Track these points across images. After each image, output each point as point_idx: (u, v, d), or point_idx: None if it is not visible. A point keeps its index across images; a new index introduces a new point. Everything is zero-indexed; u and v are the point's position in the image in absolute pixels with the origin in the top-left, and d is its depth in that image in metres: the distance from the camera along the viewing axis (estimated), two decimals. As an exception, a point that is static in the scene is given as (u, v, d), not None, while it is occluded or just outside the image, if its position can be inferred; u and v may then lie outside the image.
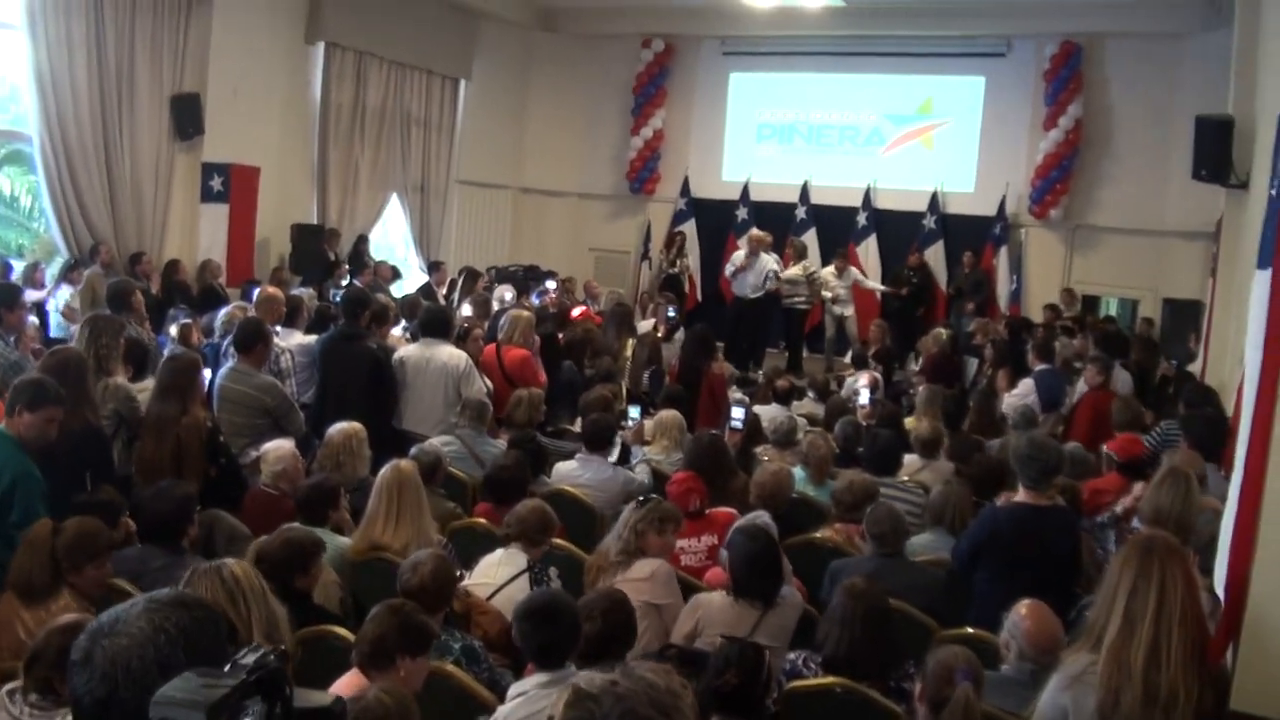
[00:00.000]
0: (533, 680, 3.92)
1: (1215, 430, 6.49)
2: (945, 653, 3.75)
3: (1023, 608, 4.27)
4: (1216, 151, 10.16)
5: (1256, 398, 3.64)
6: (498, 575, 5.34)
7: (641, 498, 5.69)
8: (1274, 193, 4.02)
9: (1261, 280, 4.06)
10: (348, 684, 3.77)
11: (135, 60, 12.60)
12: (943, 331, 12.48)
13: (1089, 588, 5.24)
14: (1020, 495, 5.58)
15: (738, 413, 8.28)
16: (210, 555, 5.55)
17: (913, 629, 5.22)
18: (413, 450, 6.75)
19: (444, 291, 14.06)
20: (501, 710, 3.87)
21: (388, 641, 3.82)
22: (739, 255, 15.32)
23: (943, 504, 6.41)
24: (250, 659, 1.60)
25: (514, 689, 3.94)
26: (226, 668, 1.60)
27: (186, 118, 13.06)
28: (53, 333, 10.45)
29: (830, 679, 4.44)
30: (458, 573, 5.08)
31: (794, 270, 15.26)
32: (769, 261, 14.96)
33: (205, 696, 1.51)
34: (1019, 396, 9.99)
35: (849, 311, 15.82)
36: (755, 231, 15.78)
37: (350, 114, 15.71)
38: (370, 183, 16.19)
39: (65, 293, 11.25)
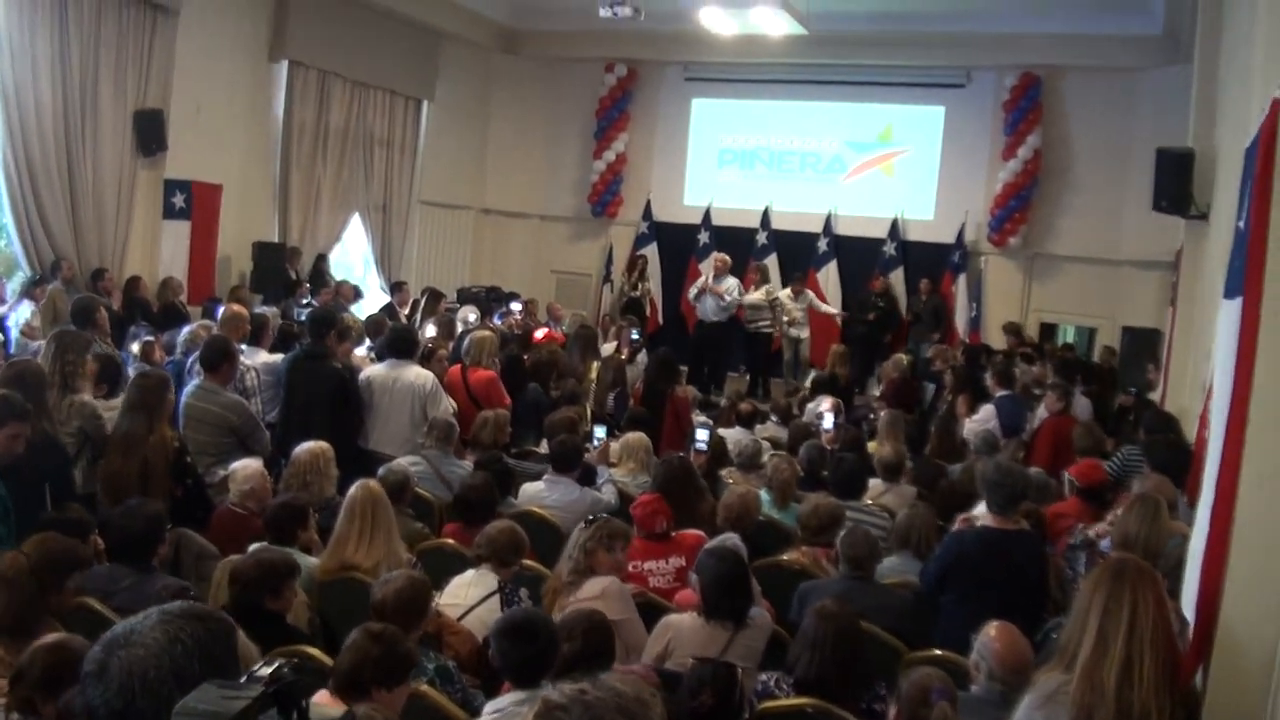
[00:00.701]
0: (509, 698, 3.91)
1: (1178, 456, 6.57)
2: (919, 674, 3.78)
3: (992, 629, 4.29)
4: (1177, 183, 10.31)
5: (1227, 423, 3.69)
6: (468, 596, 5.32)
7: (589, 518, 5.69)
8: (1241, 225, 4.08)
9: (1230, 309, 4.12)
10: (316, 704, 3.73)
11: (99, 75, 12.50)
12: (903, 357, 12.58)
13: (1055, 611, 5.29)
14: (986, 519, 5.63)
15: (702, 435, 8.30)
16: (178, 573, 5.56)
17: (881, 650, 5.23)
18: (380, 470, 6.72)
19: (406, 312, 14.00)
20: None
21: (364, 672, 3.76)
22: (702, 279, 15.42)
23: (908, 527, 6.44)
24: (266, 671, 1.60)
25: (490, 706, 3.93)
26: (243, 679, 1.59)
27: (150, 134, 12.97)
28: (13, 350, 10.32)
29: (802, 699, 4.44)
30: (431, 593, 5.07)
31: (757, 295, 15.37)
32: (732, 285, 15.07)
33: (226, 708, 1.51)
34: (980, 422, 10.06)
35: (804, 334, 15.92)
36: (719, 255, 15.86)
37: (313, 133, 15.68)
38: (332, 202, 16.15)
39: (26, 309, 11.14)
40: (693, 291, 15.80)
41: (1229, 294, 4.36)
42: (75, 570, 4.60)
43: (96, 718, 1.76)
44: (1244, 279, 3.71)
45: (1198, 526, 4.18)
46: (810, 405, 11.44)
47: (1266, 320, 3.47)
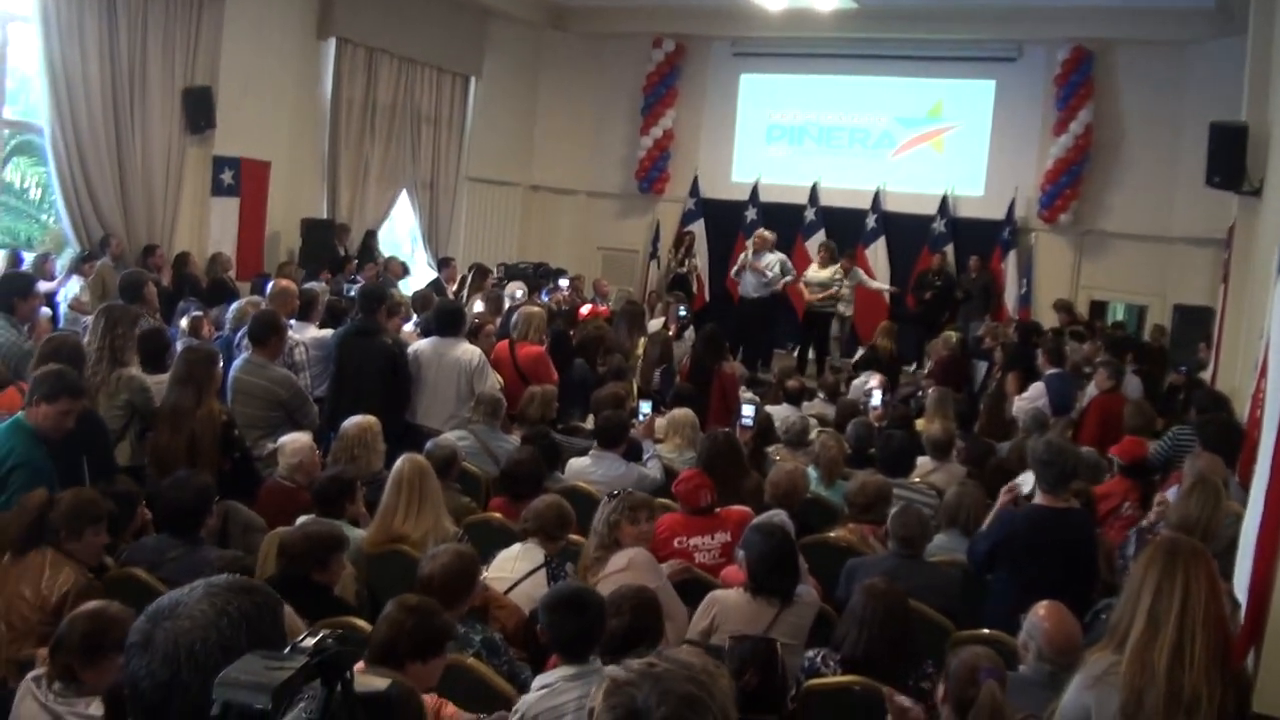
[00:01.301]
0: (557, 673, 3.91)
1: (1230, 435, 6.49)
2: (968, 653, 3.74)
3: (1041, 609, 4.26)
4: (1230, 158, 10.17)
5: (1281, 402, 3.65)
6: (515, 570, 5.34)
7: (612, 492, 5.69)
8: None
9: (1284, 288, 4.07)
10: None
11: (147, 53, 12.62)
12: (952, 335, 12.47)
13: (1105, 591, 5.25)
14: (1037, 497, 5.58)
15: (748, 411, 8.28)
16: (225, 545, 5.61)
17: (929, 629, 5.21)
18: (428, 445, 6.75)
19: (454, 288, 14.03)
20: (525, 700, 3.86)
21: (399, 645, 3.75)
22: (743, 255, 15.41)
23: (957, 505, 6.40)
24: (310, 642, 1.59)
25: (538, 680, 3.94)
26: (286, 650, 1.59)
27: (198, 111, 13.08)
28: (62, 324, 10.42)
29: (849, 677, 4.44)
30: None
31: (826, 273, 15.27)
32: (773, 261, 15.04)
33: (270, 678, 1.50)
34: (1030, 400, 9.98)
35: (849, 311, 15.83)
36: (761, 231, 15.81)
37: (361, 110, 15.72)
38: (380, 179, 16.19)
39: (75, 284, 11.24)
40: (734, 268, 15.75)
41: (1283, 272, 4.30)
42: (95, 522, 4.72)
43: (140, 689, 1.76)
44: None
45: (1251, 508, 4.13)
46: (857, 381, 11.40)
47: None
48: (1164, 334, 14.55)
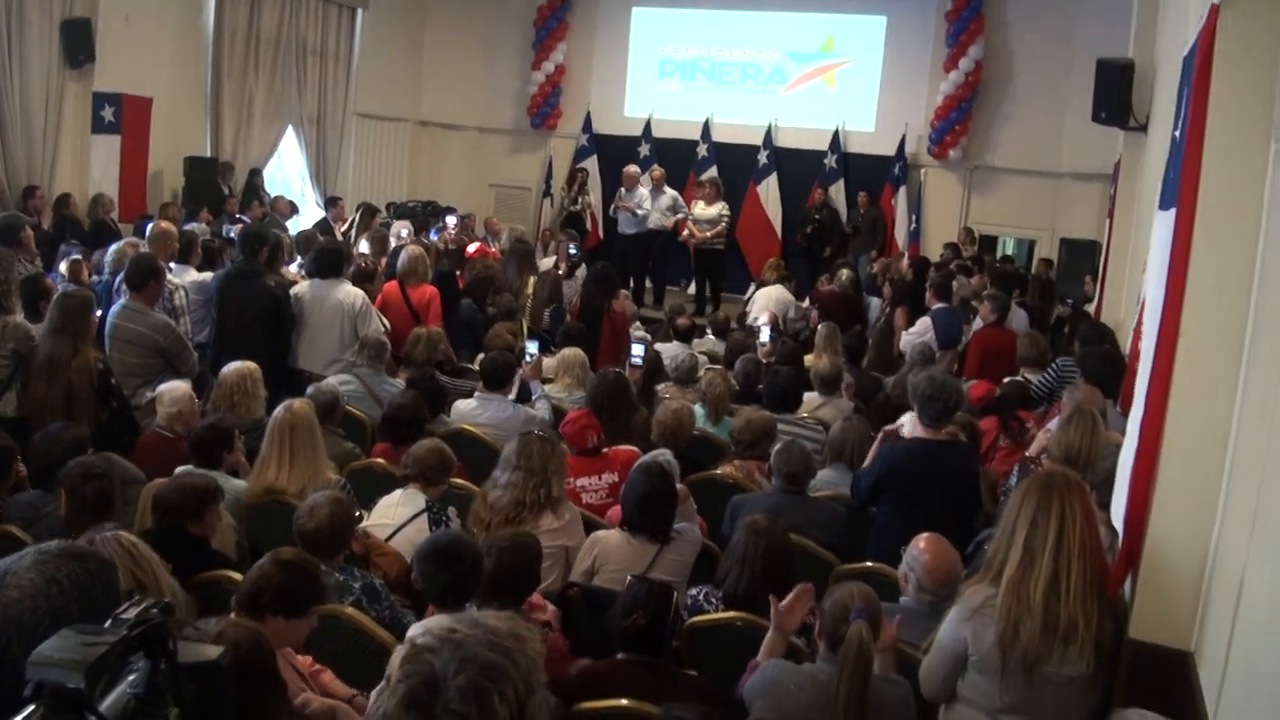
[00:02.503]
0: (427, 622, 3.84)
1: (1112, 367, 6.56)
2: (842, 592, 3.75)
3: (921, 541, 4.31)
4: (1116, 94, 10.26)
5: (1158, 335, 3.66)
6: (396, 516, 5.25)
7: (536, 432, 5.58)
8: (1177, 135, 4.02)
9: (1164, 221, 4.08)
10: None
11: (23, -18, 12.05)
12: (844, 271, 12.51)
13: (987, 521, 5.30)
14: (916, 430, 5.62)
15: (637, 350, 8.24)
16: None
17: (813, 564, 5.24)
18: (309, 389, 6.62)
19: (342, 228, 13.76)
20: (398, 650, 3.78)
21: (261, 597, 3.65)
22: (619, 194, 15.45)
23: (842, 440, 6.44)
24: (132, 613, 1.50)
25: (413, 629, 3.86)
26: (108, 623, 1.50)
27: (77, 44, 12.50)
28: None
29: (731, 614, 4.45)
30: (357, 514, 4.99)
31: (713, 210, 15.24)
32: (643, 196, 15.11)
33: (84, 655, 1.41)
34: (917, 334, 10.07)
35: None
36: (629, 167, 15.77)
37: (244, 42, 15.23)
38: (264, 114, 15.73)
39: (-50, 230, 10.82)
40: (611, 206, 15.73)
41: (1164, 205, 4.32)
42: None
43: None
44: (1178, 190, 3.66)
45: (1128, 439, 4.16)
46: (750, 319, 11.42)
47: (1200, 232, 3.42)
48: (1050, 267, 14.77)
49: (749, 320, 10.58)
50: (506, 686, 1.74)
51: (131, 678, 1.50)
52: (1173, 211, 3.72)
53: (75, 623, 1.52)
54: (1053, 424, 6.31)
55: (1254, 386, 3.19)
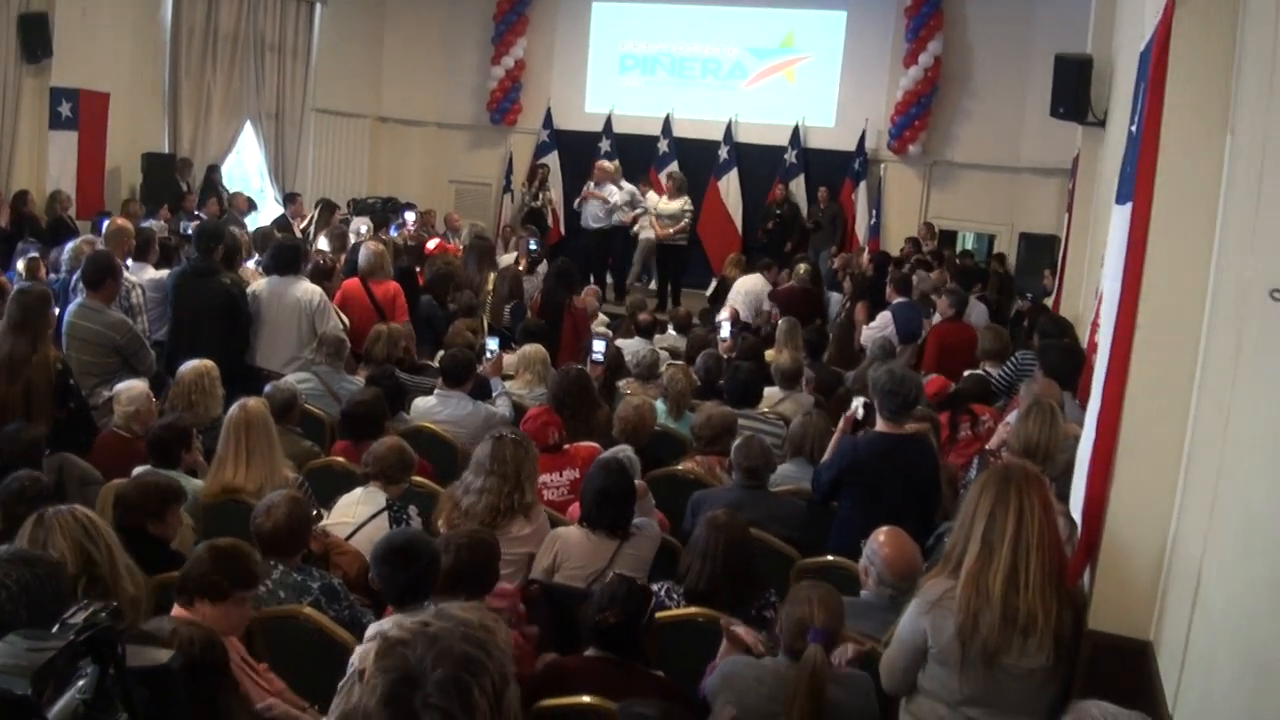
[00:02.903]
0: (391, 620, 3.81)
1: (1069, 360, 6.61)
2: (801, 604, 3.72)
3: (881, 535, 4.33)
4: (1075, 89, 10.31)
5: (1115, 328, 3.68)
6: (356, 514, 5.22)
7: (499, 434, 5.54)
8: (1134, 130, 4.04)
9: (1121, 214, 4.11)
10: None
11: (-21, -24, 11.90)
12: (803, 266, 12.52)
13: (947, 515, 5.31)
14: (879, 425, 5.63)
15: (598, 346, 8.22)
16: (61, 500, 5.36)
17: (774, 558, 5.25)
18: (267, 388, 6.59)
19: (301, 224, 13.68)
20: (359, 650, 3.76)
21: (188, 583, 3.67)
22: (587, 187, 15.41)
23: (802, 435, 6.45)
24: (79, 618, 1.48)
25: (372, 629, 3.84)
26: (55, 628, 1.47)
27: (34, 39, 12.37)
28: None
29: (693, 609, 4.44)
30: (315, 512, 4.96)
31: (675, 205, 15.22)
32: (612, 191, 15.01)
33: (31, 660, 1.38)
34: (878, 329, 10.10)
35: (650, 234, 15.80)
36: (601, 162, 15.70)
37: (202, 37, 15.12)
38: (223, 110, 15.62)
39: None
40: (577, 201, 15.70)
41: (1120, 199, 4.34)
42: None
43: None
44: (1134, 184, 3.68)
45: (1085, 431, 4.19)
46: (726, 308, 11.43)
47: (1155, 226, 3.44)
48: (1003, 262, 14.85)
49: (724, 310, 10.58)
50: (484, 679, 1.76)
51: (80, 683, 1.47)
52: (1129, 205, 3.74)
53: (23, 627, 1.49)
54: (1011, 417, 6.36)
55: (1210, 378, 3.21)
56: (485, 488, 5.04)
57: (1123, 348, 3.54)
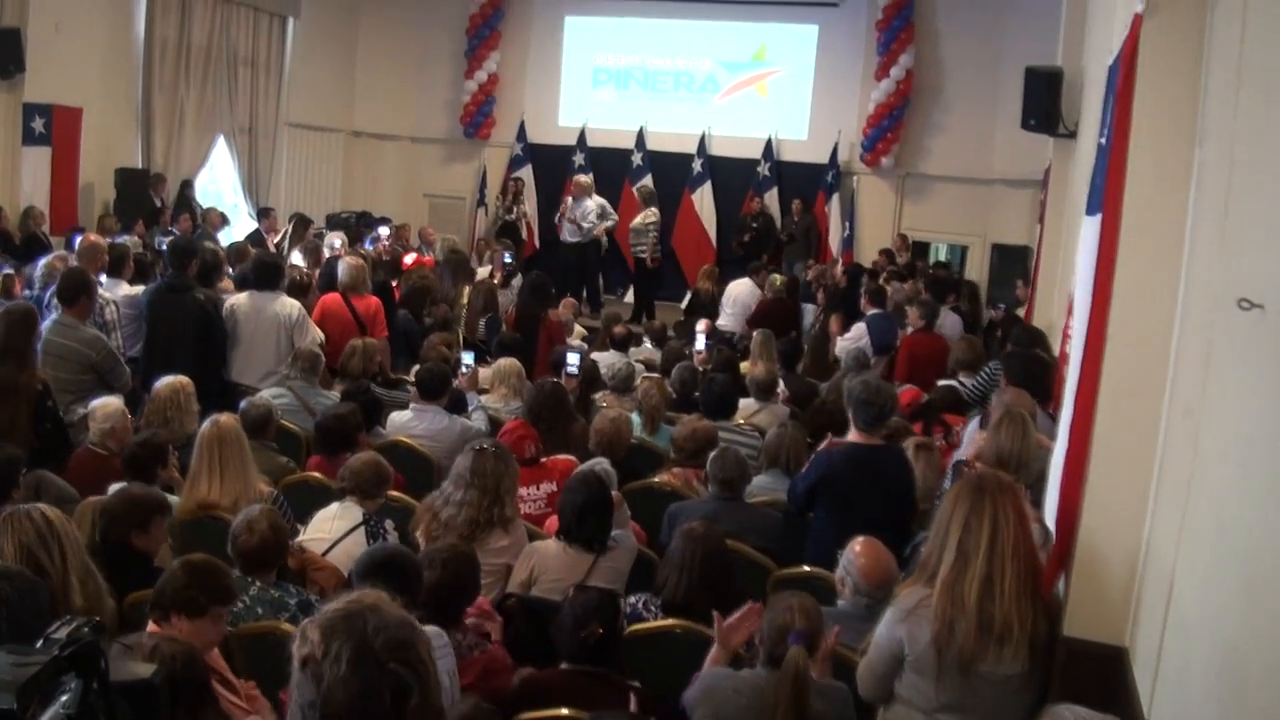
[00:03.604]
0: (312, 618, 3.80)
1: (1035, 369, 6.65)
2: (782, 609, 3.74)
3: (857, 544, 4.35)
4: (1045, 102, 10.41)
5: (1086, 337, 3.72)
6: (333, 529, 5.20)
7: (480, 446, 5.54)
8: (1103, 141, 4.08)
9: (1091, 225, 4.15)
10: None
11: (-52, -8, 11.84)
12: (777, 277, 12.57)
13: (923, 524, 5.34)
14: (852, 435, 5.66)
15: (572, 359, 8.24)
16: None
17: (751, 569, 5.26)
18: (242, 403, 6.56)
19: (275, 239, 13.64)
20: (294, 649, 3.74)
21: (163, 597, 3.66)
22: (566, 203, 15.49)
23: (777, 446, 6.47)
24: (63, 633, 1.49)
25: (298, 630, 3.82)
26: (39, 643, 1.48)
27: (6, 55, 12.33)
28: None
29: (670, 621, 4.45)
30: (291, 526, 4.94)
31: (639, 219, 15.27)
32: (590, 208, 15.02)
33: (15, 675, 1.39)
34: (851, 340, 10.15)
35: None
36: (577, 178, 15.75)
37: (175, 52, 15.06)
38: (196, 125, 15.54)
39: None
40: (558, 216, 15.78)
41: (1090, 210, 4.39)
42: None
43: None
44: (1104, 195, 3.72)
45: (1059, 440, 4.22)
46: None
47: (1125, 237, 3.48)
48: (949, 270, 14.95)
49: (700, 323, 10.62)
50: (420, 641, 1.89)
51: (64, 698, 1.48)
52: (1099, 217, 3.78)
53: (5, 641, 1.50)
54: (971, 426, 6.44)
55: (1180, 386, 3.24)
56: (465, 500, 5.04)
57: (1093, 357, 3.58)
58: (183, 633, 3.54)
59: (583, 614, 3.93)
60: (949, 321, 10.73)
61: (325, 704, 1.82)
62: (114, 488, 5.17)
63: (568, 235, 15.33)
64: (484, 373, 8.14)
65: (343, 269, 9.16)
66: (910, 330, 9.99)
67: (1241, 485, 2.48)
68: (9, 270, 8.86)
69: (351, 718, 1.82)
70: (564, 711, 3.70)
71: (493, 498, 5.06)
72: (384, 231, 13.65)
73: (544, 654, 4.24)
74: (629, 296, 16.23)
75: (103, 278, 8.24)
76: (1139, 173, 3.45)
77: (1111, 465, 3.54)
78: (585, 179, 15.75)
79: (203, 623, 3.66)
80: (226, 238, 13.79)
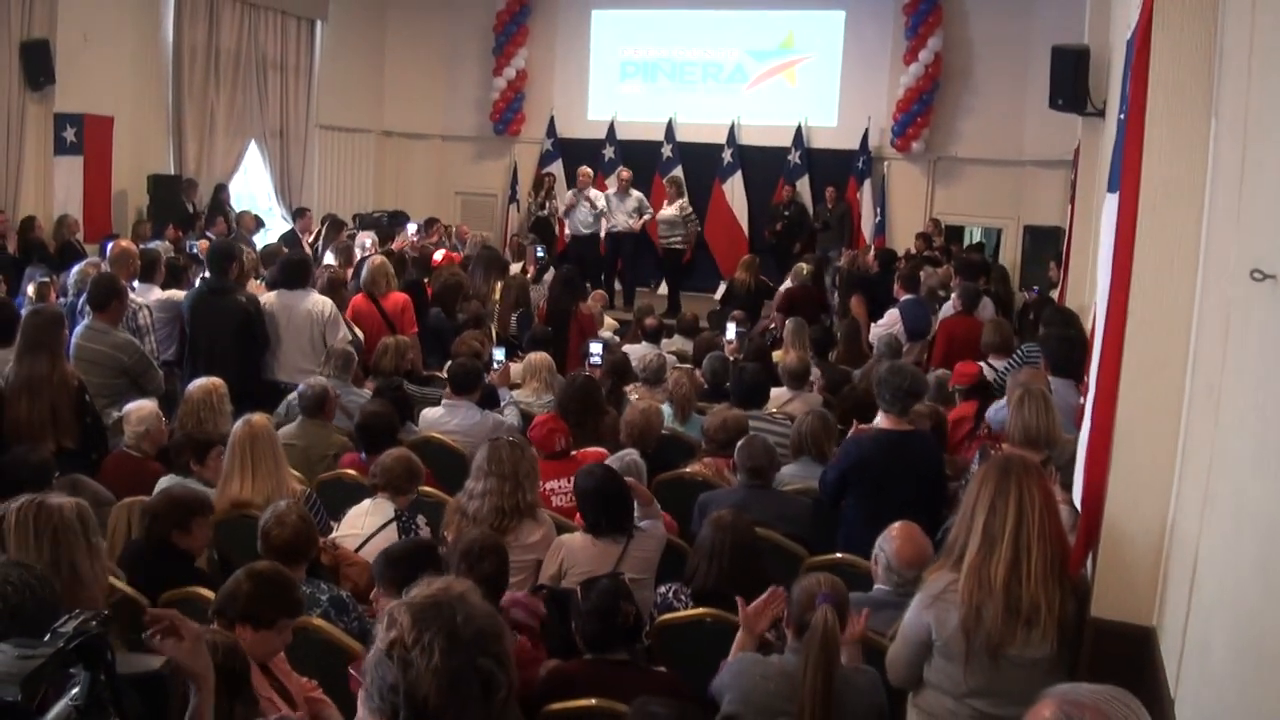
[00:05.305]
0: (397, 602, 3.82)
1: (1071, 349, 6.60)
2: (809, 580, 3.77)
3: (893, 529, 4.36)
4: (1073, 80, 10.30)
5: (1107, 315, 3.69)
6: (366, 525, 5.25)
7: (508, 438, 5.57)
8: (1122, 118, 4.05)
9: (1112, 203, 4.12)
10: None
11: (-19, 5, 11.94)
12: (804, 266, 12.51)
13: (955, 509, 5.32)
14: (880, 421, 5.64)
15: (595, 348, 8.26)
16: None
17: (782, 557, 5.25)
18: (300, 386, 6.78)
19: (309, 239, 13.73)
20: (378, 631, 3.77)
21: (228, 608, 3.67)
22: (569, 195, 15.45)
23: (807, 433, 6.44)
24: (70, 626, 1.51)
25: (385, 614, 3.85)
26: (46, 636, 1.50)
27: (37, 66, 12.41)
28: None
29: (700, 610, 4.46)
30: (324, 523, 4.98)
31: (671, 210, 15.26)
32: (596, 198, 15.10)
33: (20, 668, 1.41)
34: (885, 326, 10.11)
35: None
36: (584, 169, 15.76)
37: (204, 57, 15.14)
38: (227, 129, 15.64)
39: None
40: (562, 209, 15.76)
41: (1111, 188, 4.35)
42: None
43: None
44: (1122, 171, 3.69)
45: (1085, 419, 4.20)
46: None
47: (1143, 212, 3.45)
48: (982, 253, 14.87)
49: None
50: (506, 638, 1.92)
51: (74, 690, 1.50)
52: (1118, 194, 3.76)
53: (31, 622, 1.53)
54: (993, 409, 6.42)
55: (1201, 361, 3.22)
56: (487, 490, 5.05)
57: (1115, 335, 3.55)
58: (246, 641, 3.55)
59: (609, 601, 3.94)
60: (984, 305, 10.66)
61: (411, 690, 1.84)
62: (163, 482, 5.25)
63: (579, 229, 15.30)
64: (515, 367, 8.17)
65: (365, 269, 9.23)
66: (950, 312, 9.93)
67: (1257, 457, 2.47)
68: (44, 278, 8.94)
69: (438, 707, 1.84)
70: (593, 701, 3.72)
71: (513, 484, 5.06)
72: (411, 228, 13.70)
73: (572, 646, 4.25)
74: (662, 288, 16.19)
75: (135, 283, 8.31)
76: (1155, 147, 3.42)
77: (1135, 444, 3.53)
78: (589, 170, 15.73)
79: (268, 634, 3.69)
80: (261, 241, 13.88)
